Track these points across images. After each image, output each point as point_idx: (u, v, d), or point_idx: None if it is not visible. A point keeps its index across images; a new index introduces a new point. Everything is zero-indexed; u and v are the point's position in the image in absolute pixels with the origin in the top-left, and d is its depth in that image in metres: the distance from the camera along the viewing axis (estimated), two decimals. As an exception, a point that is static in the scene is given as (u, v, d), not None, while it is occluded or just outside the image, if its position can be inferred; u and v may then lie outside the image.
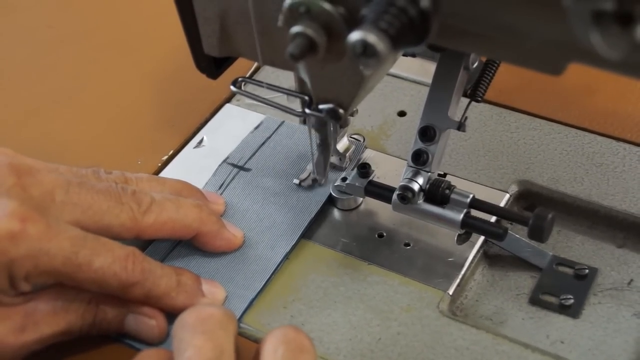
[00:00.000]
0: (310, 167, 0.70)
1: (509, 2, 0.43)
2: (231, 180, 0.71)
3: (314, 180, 0.70)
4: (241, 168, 0.72)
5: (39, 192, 0.56)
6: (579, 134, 0.72)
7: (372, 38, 0.43)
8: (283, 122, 0.76)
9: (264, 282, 0.63)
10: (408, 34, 0.44)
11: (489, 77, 0.62)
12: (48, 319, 0.57)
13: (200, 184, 0.70)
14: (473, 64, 0.61)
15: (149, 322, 0.60)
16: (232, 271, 0.64)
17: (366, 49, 0.43)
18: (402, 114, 0.77)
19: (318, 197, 0.69)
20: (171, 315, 0.59)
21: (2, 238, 0.53)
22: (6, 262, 0.54)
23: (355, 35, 0.43)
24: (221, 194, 0.70)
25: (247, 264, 0.65)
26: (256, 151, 0.73)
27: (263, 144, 0.74)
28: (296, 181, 0.70)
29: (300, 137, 0.74)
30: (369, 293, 0.62)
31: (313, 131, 0.64)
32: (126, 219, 0.60)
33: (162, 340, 0.60)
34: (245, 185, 0.70)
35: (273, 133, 0.75)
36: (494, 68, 0.62)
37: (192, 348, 0.51)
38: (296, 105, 0.61)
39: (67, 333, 0.59)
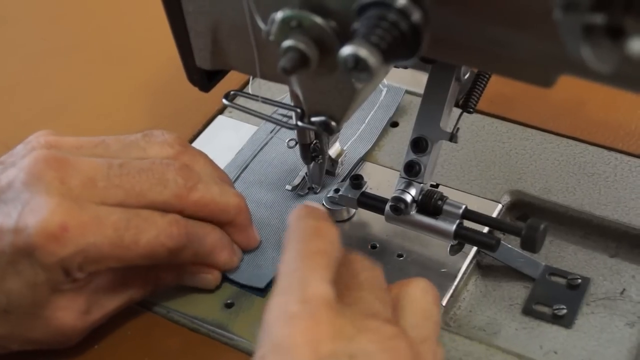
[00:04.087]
0: (302, 172, 0.70)
1: (500, 16, 0.44)
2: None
3: (310, 189, 0.70)
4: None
5: (78, 181, 0.57)
6: (571, 144, 0.72)
7: (364, 52, 0.43)
8: (277, 130, 0.76)
9: (260, 296, 0.64)
10: (400, 48, 0.44)
11: (480, 88, 0.62)
12: (111, 296, 0.60)
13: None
14: (465, 75, 0.61)
15: (206, 277, 0.64)
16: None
17: (358, 63, 0.43)
18: (394, 124, 0.77)
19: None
20: None
21: (47, 241, 0.55)
22: (57, 262, 0.55)
23: (346, 50, 0.43)
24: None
25: (242, 278, 0.65)
26: (249, 163, 0.73)
27: (255, 155, 0.74)
28: (289, 187, 0.70)
29: (276, 164, 0.74)
30: (362, 304, 0.62)
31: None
32: (170, 195, 0.60)
33: (218, 284, 0.64)
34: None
35: (265, 144, 0.75)
36: (485, 79, 0.62)
37: (367, 273, 0.52)
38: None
39: (130, 302, 0.62)
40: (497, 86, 0.67)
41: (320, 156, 0.67)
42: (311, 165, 0.68)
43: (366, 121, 0.75)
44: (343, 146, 0.72)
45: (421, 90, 0.61)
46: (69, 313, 0.58)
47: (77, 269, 0.57)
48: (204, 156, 0.65)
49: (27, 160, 0.58)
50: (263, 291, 0.64)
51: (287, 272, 0.48)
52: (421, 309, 0.51)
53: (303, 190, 0.70)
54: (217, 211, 0.63)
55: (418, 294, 0.52)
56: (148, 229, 0.58)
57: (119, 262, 0.58)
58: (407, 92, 0.78)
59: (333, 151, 0.70)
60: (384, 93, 0.77)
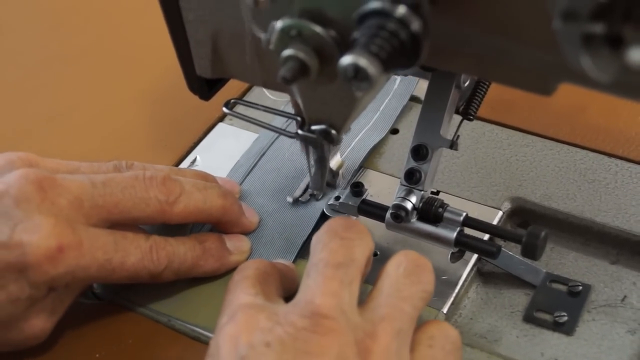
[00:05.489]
0: (303, 184, 0.70)
1: (500, 25, 0.44)
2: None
3: (312, 196, 0.70)
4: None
5: (66, 201, 0.57)
6: (571, 150, 0.72)
7: (364, 62, 0.43)
8: (276, 137, 0.76)
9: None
10: (399, 57, 0.44)
11: (480, 95, 0.62)
12: (69, 291, 0.60)
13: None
14: (465, 83, 0.61)
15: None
16: None
17: (358, 72, 0.43)
18: (394, 131, 0.77)
19: (312, 215, 0.69)
20: None
21: (42, 260, 0.55)
22: (46, 280, 0.56)
23: (346, 59, 0.43)
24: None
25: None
26: (250, 170, 0.73)
27: (257, 162, 0.74)
28: (290, 199, 0.70)
29: (293, 151, 0.74)
30: (363, 312, 0.62)
31: (310, 147, 0.65)
32: (153, 211, 0.61)
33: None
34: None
35: (267, 150, 0.75)
36: (485, 86, 0.62)
37: (327, 250, 0.53)
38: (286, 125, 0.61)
39: (84, 290, 0.62)
40: (497, 92, 0.67)
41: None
42: (312, 170, 0.68)
43: (380, 109, 0.76)
44: (356, 135, 0.72)
45: (421, 97, 0.61)
46: (40, 319, 0.58)
47: (62, 287, 0.58)
48: (169, 168, 0.67)
49: (15, 176, 0.57)
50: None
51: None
52: None
53: (305, 197, 0.70)
54: (202, 217, 0.64)
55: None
56: (134, 251, 0.59)
57: (103, 282, 0.60)
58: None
59: (333, 163, 0.70)
60: (397, 82, 0.78)
